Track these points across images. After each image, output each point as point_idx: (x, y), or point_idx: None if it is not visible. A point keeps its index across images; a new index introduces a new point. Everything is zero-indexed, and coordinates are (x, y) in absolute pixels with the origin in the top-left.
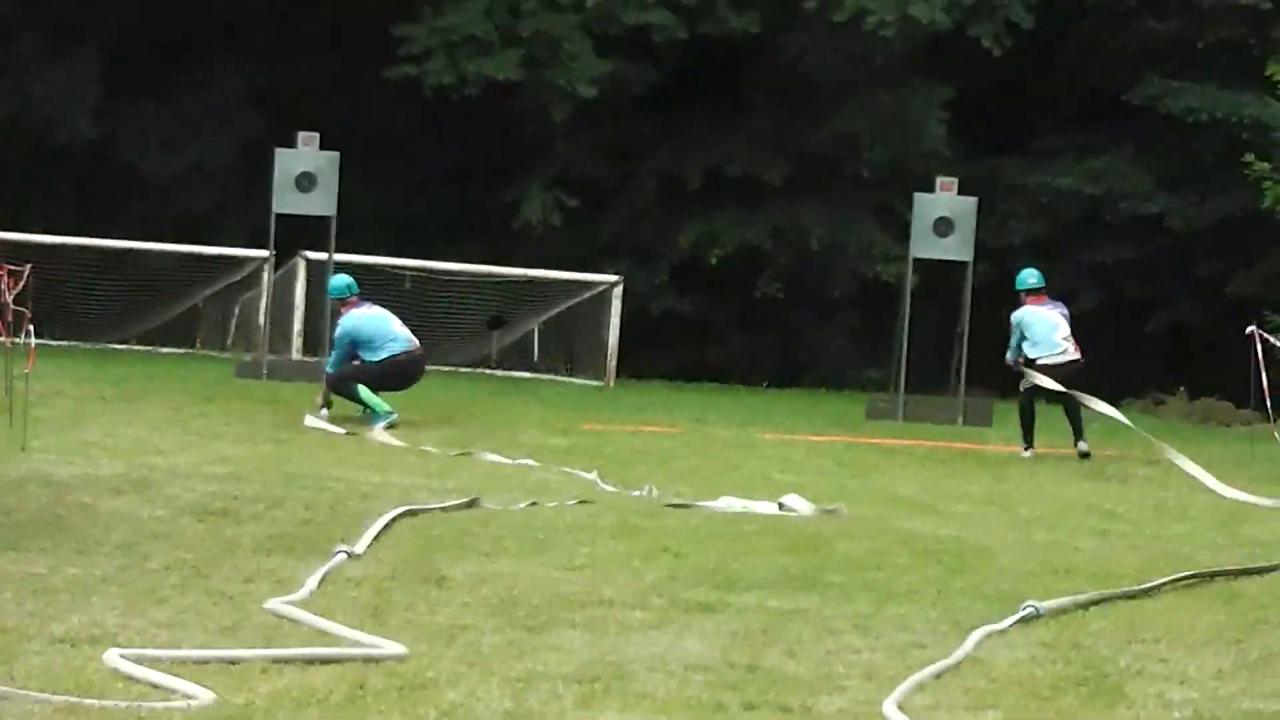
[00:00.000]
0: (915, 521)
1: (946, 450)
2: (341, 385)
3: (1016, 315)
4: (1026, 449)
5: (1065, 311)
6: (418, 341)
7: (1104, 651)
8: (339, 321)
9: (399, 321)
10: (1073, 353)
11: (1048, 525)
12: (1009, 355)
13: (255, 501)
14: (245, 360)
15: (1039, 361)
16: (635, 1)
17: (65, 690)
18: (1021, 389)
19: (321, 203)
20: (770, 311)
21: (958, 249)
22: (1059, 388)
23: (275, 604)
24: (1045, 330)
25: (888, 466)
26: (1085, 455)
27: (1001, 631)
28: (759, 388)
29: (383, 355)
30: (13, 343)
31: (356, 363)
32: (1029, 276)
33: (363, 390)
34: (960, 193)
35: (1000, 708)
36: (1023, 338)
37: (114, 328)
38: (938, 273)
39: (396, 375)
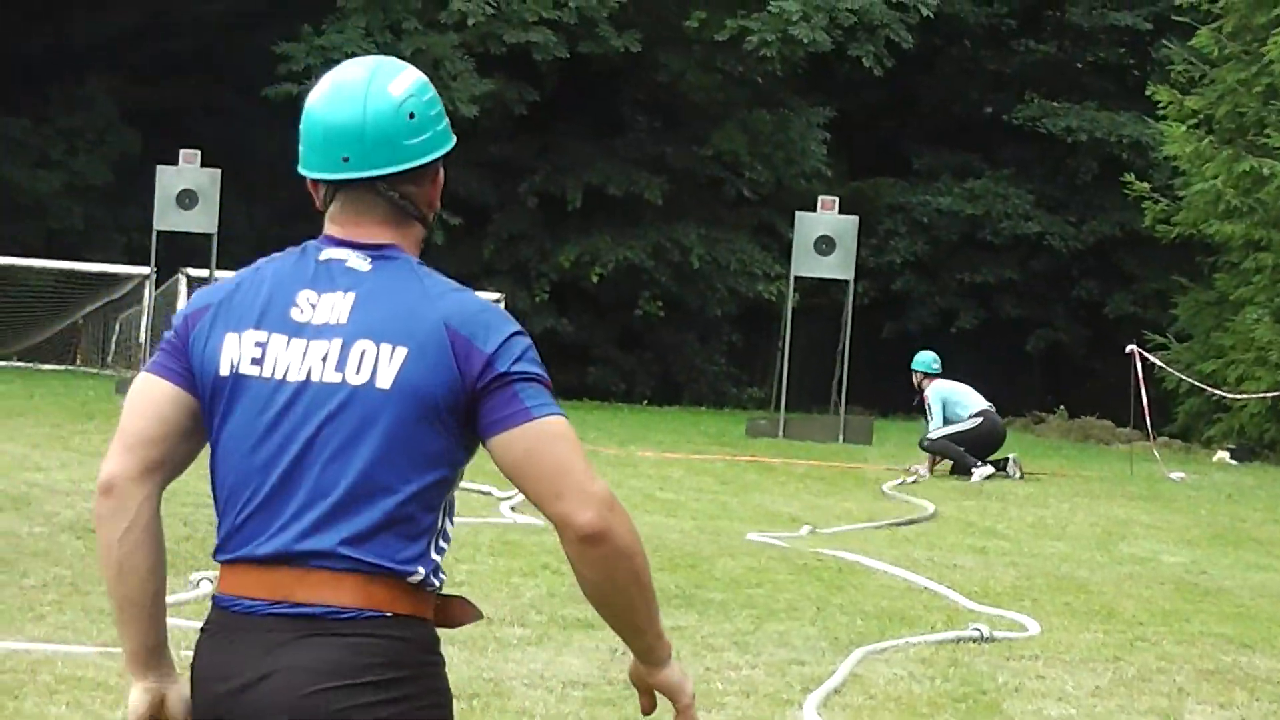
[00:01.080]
0: (795, 540)
1: (827, 469)
2: None
3: (935, 393)
4: (980, 467)
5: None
6: None
7: (982, 668)
8: None
9: None
10: (984, 407)
11: (927, 543)
12: (934, 432)
13: None
14: (126, 378)
15: (985, 412)
16: (516, 21)
17: None
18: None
19: (203, 220)
20: (650, 330)
21: (839, 268)
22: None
23: None
24: (968, 396)
25: (768, 484)
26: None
27: (880, 650)
28: (639, 406)
29: None
30: None
31: None
32: (932, 361)
33: None
34: (841, 211)
35: None
36: (945, 410)
37: None
38: (818, 291)
39: None
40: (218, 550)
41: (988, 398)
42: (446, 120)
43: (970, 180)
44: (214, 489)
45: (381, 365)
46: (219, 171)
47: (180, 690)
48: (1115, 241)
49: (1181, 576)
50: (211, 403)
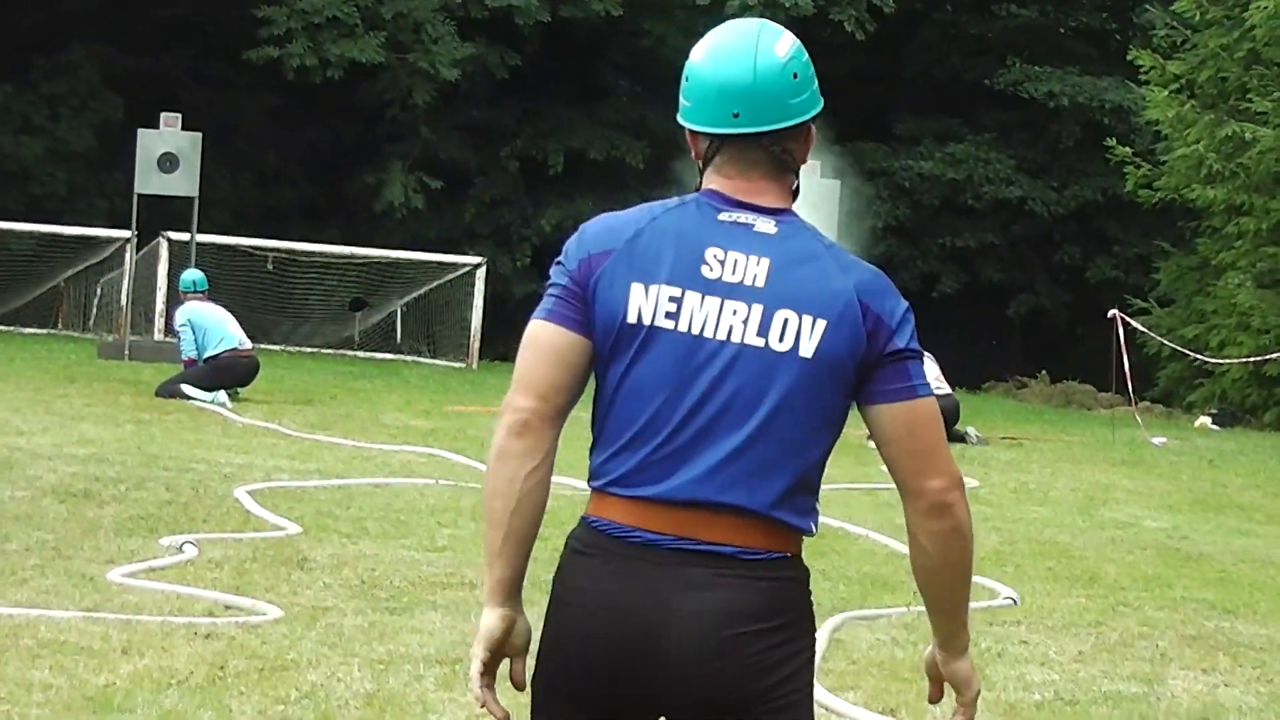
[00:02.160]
0: None
1: None
2: (169, 389)
3: None
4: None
5: (931, 355)
6: (250, 342)
7: None
8: (179, 310)
9: (235, 323)
10: (947, 389)
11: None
12: None
13: (117, 483)
14: (107, 341)
15: None
16: None
17: None
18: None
19: (184, 183)
20: None
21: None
22: None
23: (121, 574)
24: (929, 374)
25: None
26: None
27: (863, 618)
28: None
29: (214, 352)
30: None
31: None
32: None
33: (189, 389)
34: (822, 176)
35: (861, 689)
36: None
37: None
38: None
39: (227, 373)
40: (613, 483)
41: (967, 364)
42: (816, 82)
43: (952, 145)
44: (603, 424)
45: (804, 335)
46: (200, 135)
47: (525, 622)
48: (1097, 206)
49: (1163, 542)
50: (614, 347)
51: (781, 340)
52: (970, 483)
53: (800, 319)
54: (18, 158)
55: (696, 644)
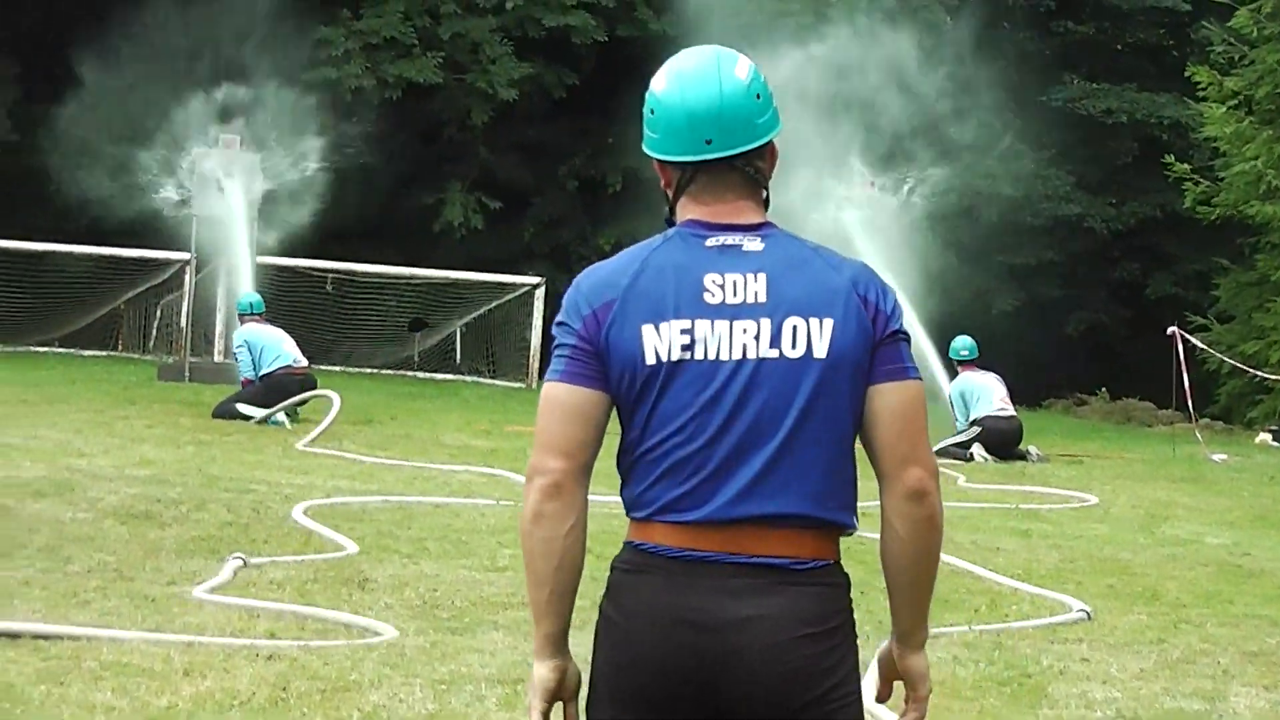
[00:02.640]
0: None
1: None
2: (225, 409)
3: (955, 386)
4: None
5: (998, 376)
6: (304, 360)
7: (1026, 651)
8: (236, 332)
9: (291, 342)
10: (1012, 410)
11: (970, 526)
12: (957, 425)
13: (178, 504)
14: (167, 363)
15: (987, 419)
16: (555, 4)
17: None
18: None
19: (241, 204)
20: None
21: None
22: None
23: (201, 591)
24: (988, 393)
25: None
26: (1040, 457)
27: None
28: None
29: (269, 369)
30: None
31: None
32: (963, 348)
33: (245, 408)
34: (879, 190)
35: None
36: (965, 402)
37: (35, 330)
38: None
39: (282, 392)
40: (657, 512)
41: (1026, 381)
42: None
43: (1010, 161)
44: (634, 460)
45: (814, 337)
46: (258, 156)
47: (575, 667)
48: (1156, 222)
49: (1224, 558)
50: (639, 390)
51: (794, 347)
52: (1088, 499)
53: (808, 323)
54: (76, 180)
55: (761, 649)
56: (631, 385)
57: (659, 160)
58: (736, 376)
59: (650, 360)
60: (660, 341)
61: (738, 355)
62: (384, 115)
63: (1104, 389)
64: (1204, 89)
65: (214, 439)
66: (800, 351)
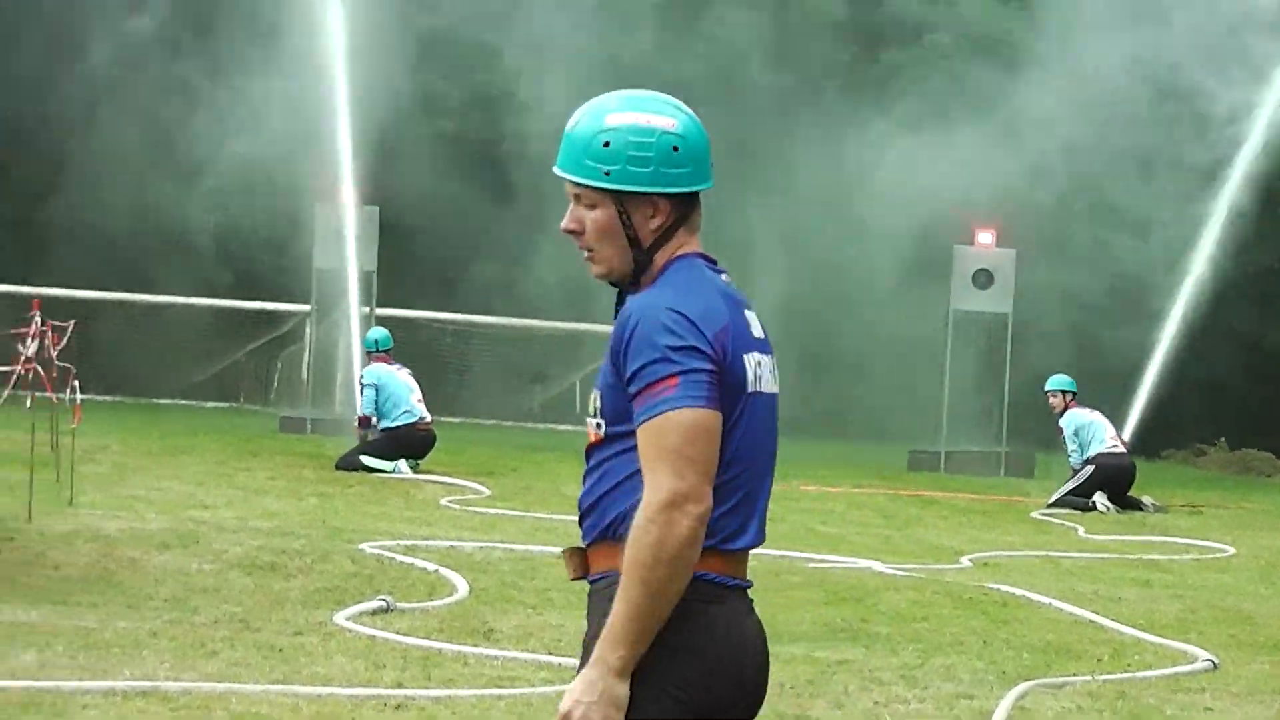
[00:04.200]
0: (959, 573)
1: (988, 502)
2: (349, 461)
3: (1069, 422)
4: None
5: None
6: (429, 415)
7: (1149, 702)
8: (365, 369)
9: (418, 393)
10: (1123, 448)
11: (1091, 576)
12: (1073, 461)
13: (302, 555)
14: (288, 415)
15: (1099, 456)
16: None
17: None
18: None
19: (364, 257)
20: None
21: (997, 300)
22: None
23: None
24: (1100, 429)
25: (929, 519)
26: (1156, 507)
27: (1050, 685)
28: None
29: (394, 424)
30: (58, 399)
31: (367, 438)
32: (1067, 384)
33: (369, 460)
34: (1000, 243)
35: None
36: (1079, 438)
37: (157, 382)
38: (976, 322)
39: (404, 445)
40: (720, 541)
41: (1149, 430)
42: None
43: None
44: (716, 487)
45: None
46: (377, 209)
47: None
48: (1273, 273)
49: None
50: (735, 418)
51: (775, 383)
52: (1225, 550)
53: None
54: (190, 236)
55: (767, 666)
56: (731, 412)
57: (680, 194)
58: (772, 410)
59: (750, 388)
60: (748, 370)
61: (769, 389)
62: (502, 167)
63: (1223, 439)
64: None
65: (336, 491)
66: (778, 387)
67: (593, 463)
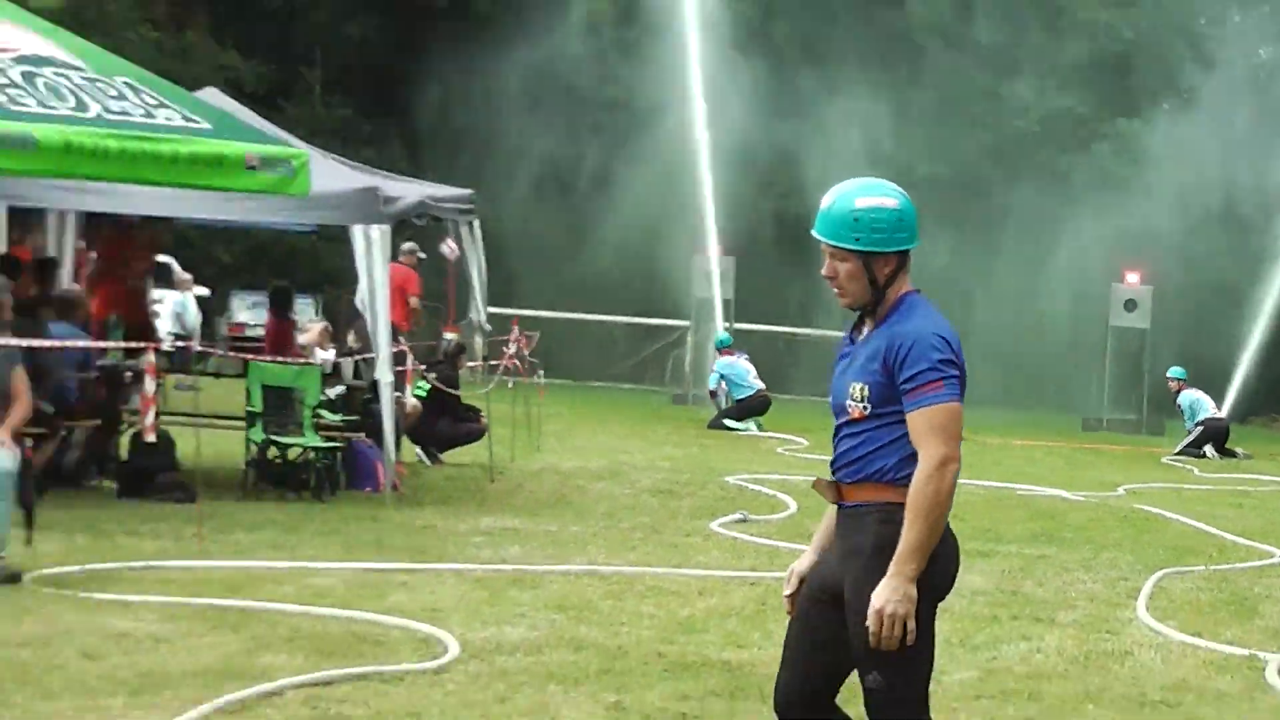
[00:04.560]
0: (1117, 499)
1: (1135, 452)
2: (716, 422)
3: (1185, 399)
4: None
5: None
6: (762, 384)
7: (1243, 583)
8: (716, 362)
9: (755, 373)
10: (1222, 414)
11: (1203, 501)
12: (1187, 424)
13: (688, 484)
14: (678, 393)
15: (1207, 420)
16: None
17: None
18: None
19: (724, 289)
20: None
21: (1140, 319)
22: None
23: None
24: (1204, 403)
25: (1097, 463)
26: (1245, 455)
27: (1177, 572)
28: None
29: (743, 396)
30: (530, 381)
31: (711, 397)
32: (1179, 373)
33: (729, 422)
34: (1143, 281)
35: (1176, 619)
36: (1193, 410)
37: (593, 371)
38: (1127, 334)
39: (751, 409)
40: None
41: (1236, 402)
42: None
43: None
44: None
45: None
46: (733, 259)
47: None
48: None
49: None
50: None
51: None
52: None
53: None
54: (611, 275)
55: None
56: (960, 398)
57: (906, 251)
58: None
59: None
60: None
61: None
62: None
63: None
64: None
65: (711, 443)
66: None
67: (854, 430)
